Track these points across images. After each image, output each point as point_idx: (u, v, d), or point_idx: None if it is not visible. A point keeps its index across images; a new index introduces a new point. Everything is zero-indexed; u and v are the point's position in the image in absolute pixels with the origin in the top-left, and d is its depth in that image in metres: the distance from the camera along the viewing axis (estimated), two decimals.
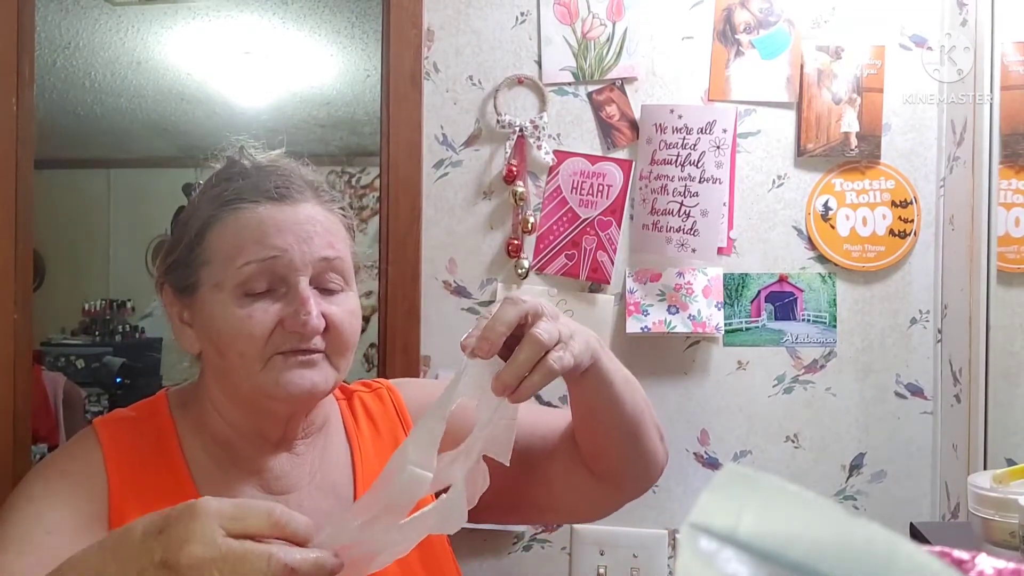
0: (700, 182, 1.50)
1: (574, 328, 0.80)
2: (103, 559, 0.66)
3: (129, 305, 5.61)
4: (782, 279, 1.55)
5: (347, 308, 0.88)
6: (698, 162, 1.49)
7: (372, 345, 1.66)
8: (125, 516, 0.81)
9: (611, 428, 0.92)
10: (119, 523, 0.80)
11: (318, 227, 0.87)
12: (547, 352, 0.75)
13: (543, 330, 0.75)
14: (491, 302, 1.57)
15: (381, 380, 1.09)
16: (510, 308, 0.77)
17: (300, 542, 0.65)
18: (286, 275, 0.85)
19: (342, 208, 0.93)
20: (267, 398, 0.87)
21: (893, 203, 1.53)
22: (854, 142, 1.53)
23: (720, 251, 1.53)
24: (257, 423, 0.90)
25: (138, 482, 0.85)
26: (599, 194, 1.55)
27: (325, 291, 0.87)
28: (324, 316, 0.85)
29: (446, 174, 1.58)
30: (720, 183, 1.50)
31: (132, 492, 0.84)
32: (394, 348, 1.56)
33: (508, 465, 0.77)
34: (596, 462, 0.96)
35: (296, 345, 0.85)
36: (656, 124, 1.52)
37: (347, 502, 0.93)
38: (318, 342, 0.85)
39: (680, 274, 1.53)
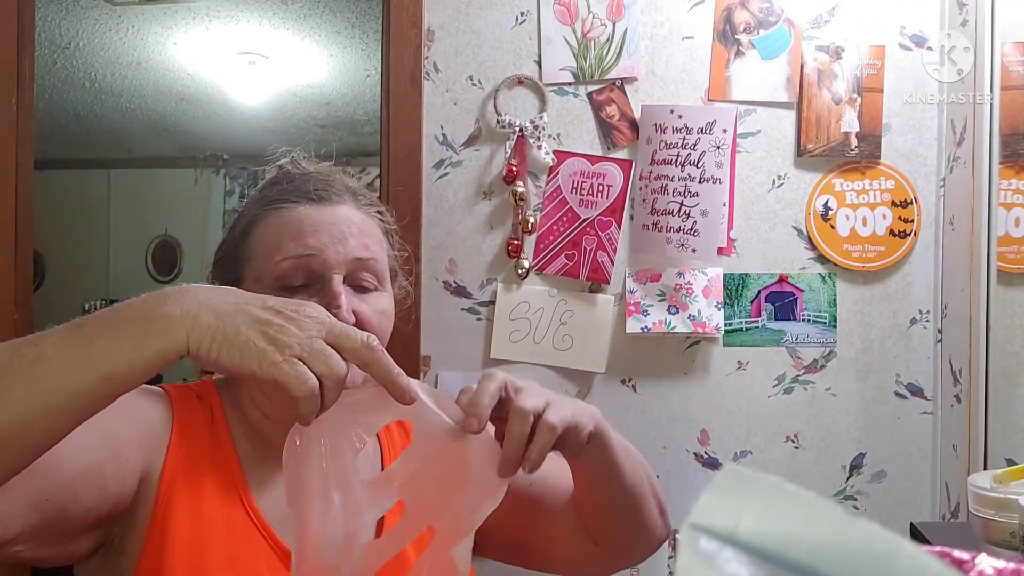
0: (700, 182, 1.50)
1: (566, 400, 0.82)
2: (209, 290, 0.68)
3: None
4: (782, 279, 1.55)
5: (377, 307, 0.91)
6: (698, 162, 1.49)
7: None
8: (176, 476, 0.83)
9: (610, 500, 0.93)
10: (170, 480, 0.82)
11: (353, 228, 0.90)
12: (539, 416, 0.76)
13: (525, 399, 0.76)
14: (491, 303, 1.57)
15: None
16: (489, 382, 0.77)
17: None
18: (322, 272, 0.88)
19: (379, 212, 0.97)
20: None
21: (893, 203, 1.53)
22: (854, 142, 1.53)
23: (720, 251, 1.53)
24: (289, 414, 0.91)
25: (192, 447, 0.87)
26: (599, 194, 1.55)
27: (359, 290, 0.90)
28: (355, 313, 0.88)
29: (446, 174, 1.58)
30: (720, 183, 1.50)
31: (185, 454, 0.85)
32: (394, 348, 1.56)
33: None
34: (594, 530, 0.98)
35: None
36: (656, 124, 1.52)
37: None
38: None
39: (680, 274, 1.53)
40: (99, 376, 0.63)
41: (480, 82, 1.57)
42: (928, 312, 1.54)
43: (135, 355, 0.64)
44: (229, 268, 0.94)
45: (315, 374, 0.65)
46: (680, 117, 1.50)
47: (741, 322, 1.55)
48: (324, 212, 0.90)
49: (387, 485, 0.76)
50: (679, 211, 1.50)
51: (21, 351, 0.63)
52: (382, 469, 0.94)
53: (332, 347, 0.67)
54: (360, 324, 0.87)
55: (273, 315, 0.67)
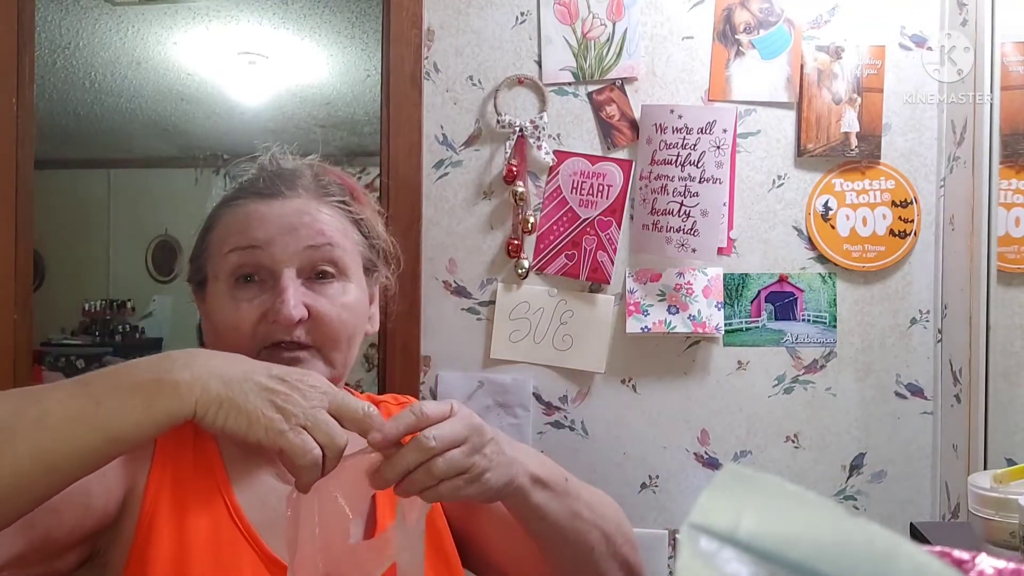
0: (700, 182, 1.50)
1: (502, 460, 0.76)
2: (217, 357, 0.70)
3: (129, 305, 5.61)
4: (782, 279, 1.55)
5: (339, 301, 0.87)
6: (698, 162, 1.49)
7: (372, 345, 1.66)
8: (161, 487, 0.82)
9: (553, 556, 0.90)
10: (155, 491, 0.82)
11: (306, 218, 0.87)
12: (441, 481, 0.72)
13: (447, 460, 0.71)
14: (491, 303, 1.57)
15: (410, 397, 1.08)
16: (408, 417, 0.73)
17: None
18: (271, 267, 0.85)
19: (343, 201, 0.93)
20: None
21: (893, 203, 1.53)
22: (854, 142, 1.53)
23: (720, 251, 1.53)
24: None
25: (177, 455, 0.86)
26: (599, 194, 1.55)
27: (318, 283, 0.87)
28: (308, 307, 0.85)
29: (446, 174, 1.58)
30: (720, 183, 1.50)
31: (171, 464, 0.85)
32: (394, 348, 1.56)
33: None
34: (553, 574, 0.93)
35: (280, 338, 0.85)
36: (656, 124, 1.52)
37: (364, 500, 0.93)
38: (301, 335, 0.85)
39: (680, 274, 1.53)
40: (105, 438, 0.64)
41: (480, 82, 1.57)
42: (928, 312, 1.54)
43: (143, 418, 0.65)
44: (195, 270, 0.93)
45: (317, 443, 0.67)
46: (680, 117, 1.50)
47: (741, 322, 1.55)
48: (273, 205, 0.88)
49: (379, 552, 0.76)
50: (679, 211, 1.50)
51: (24, 408, 0.63)
52: (374, 515, 0.92)
53: (334, 416, 0.69)
54: (315, 318, 0.85)
55: (279, 384, 0.68)
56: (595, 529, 0.90)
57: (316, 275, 0.87)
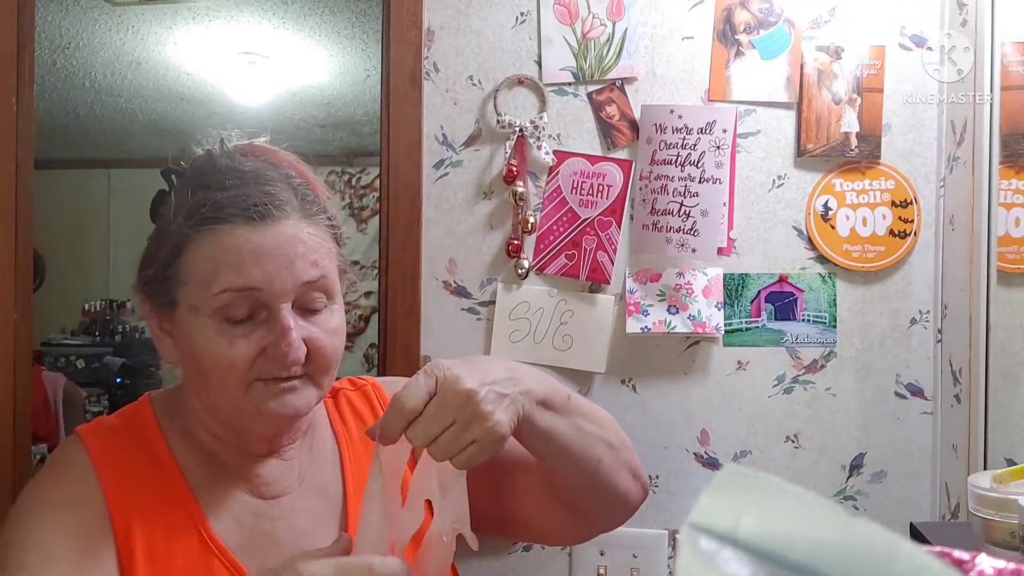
0: (700, 182, 1.50)
1: (501, 403, 0.79)
2: None
3: (129, 305, 5.60)
4: (782, 279, 1.55)
5: (329, 327, 0.86)
6: (698, 162, 1.49)
7: (372, 345, 1.67)
8: (129, 528, 0.81)
9: (563, 474, 0.92)
10: (123, 535, 0.81)
11: (300, 247, 0.83)
12: (440, 433, 0.78)
13: (423, 422, 0.78)
14: (491, 303, 1.57)
15: (366, 378, 1.08)
16: (413, 392, 0.79)
17: None
18: (267, 302, 0.82)
19: (329, 217, 0.90)
20: (248, 421, 0.87)
21: (893, 203, 1.53)
22: (854, 142, 1.53)
23: (720, 251, 1.53)
24: (241, 438, 0.90)
25: (135, 492, 0.84)
26: (599, 194, 1.55)
27: (310, 312, 0.86)
28: (306, 341, 0.83)
29: (446, 174, 1.58)
30: (720, 183, 1.50)
31: (131, 502, 0.83)
32: (394, 348, 1.56)
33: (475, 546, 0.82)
34: (561, 497, 0.96)
35: (277, 373, 0.84)
36: (656, 124, 1.51)
37: (336, 501, 0.94)
38: (297, 368, 0.85)
39: (680, 274, 1.53)
40: None
41: (480, 82, 1.57)
42: (928, 312, 1.54)
43: None
44: (160, 289, 0.88)
45: None
46: (680, 117, 1.50)
47: (741, 322, 1.55)
48: (265, 234, 0.82)
49: (416, 497, 0.82)
50: (679, 211, 1.50)
51: None
52: (341, 467, 0.95)
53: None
54: (312, 351, 0.84)
55: None
56: (599, 441, 0.93)
57: (308, 306, 0.86)
